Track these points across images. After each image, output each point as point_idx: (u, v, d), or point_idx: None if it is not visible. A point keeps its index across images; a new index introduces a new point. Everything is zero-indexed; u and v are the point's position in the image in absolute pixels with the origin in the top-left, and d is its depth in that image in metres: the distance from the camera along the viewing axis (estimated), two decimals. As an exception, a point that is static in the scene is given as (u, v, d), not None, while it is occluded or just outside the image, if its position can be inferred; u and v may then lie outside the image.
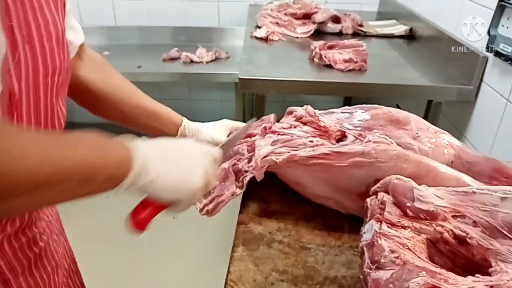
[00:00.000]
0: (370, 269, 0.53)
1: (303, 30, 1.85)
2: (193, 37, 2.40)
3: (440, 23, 1.65)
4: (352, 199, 0.69)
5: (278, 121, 0.83)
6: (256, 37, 1.76)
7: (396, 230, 0.56)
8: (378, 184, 0.63)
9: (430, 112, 1.44)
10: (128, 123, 0.78)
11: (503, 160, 0.72)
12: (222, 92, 2.69)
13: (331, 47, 1.49)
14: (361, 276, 0.56)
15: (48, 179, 0.39)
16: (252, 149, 0.74)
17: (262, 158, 0.69)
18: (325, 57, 1.44)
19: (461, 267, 0.59)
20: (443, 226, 0.57)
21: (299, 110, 0.82)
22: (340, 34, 1.88)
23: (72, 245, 0.80)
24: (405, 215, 0.57)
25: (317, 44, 1.51)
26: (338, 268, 0.65)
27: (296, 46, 1.74)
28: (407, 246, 0.55)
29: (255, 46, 1.70)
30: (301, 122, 0.80)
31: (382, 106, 0.83)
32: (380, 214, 0.57)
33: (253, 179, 0.71)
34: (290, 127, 0.79)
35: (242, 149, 0.75)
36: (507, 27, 1.19)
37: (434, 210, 0.57)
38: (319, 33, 1.87)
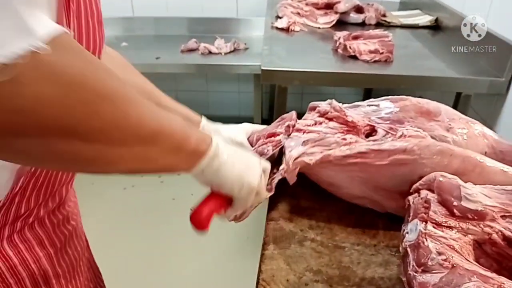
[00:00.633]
0: (416, 272, 0.49)
1: (325, 20, 1.81)
2: (210, 28, 2.37)
3: (467, 13, 1.58)
4: (393, 198, 0.66)
5: (299, 118, 0.79)
6: (277, 28, 1.72)
7: (442, 231, 0.52)
8: (420, 182, 0.59)
9: (458, 105, 1.39)
10: None
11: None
12: (239, 84, 2.65)
13: (355, 38, 1.44)
14: (404, 279, 0.53)
15: (153, 134, 0.42)
16: (276, 148, 0.70)
17: (294, 160, 0.65)
18: (350, 47, 1.40)
19: (508, 270, 0.55)
20: (491, 227, 0.54)
21: (323, 105, 0.77)
22: (363, 25, 1.83)
23: (89, 237, 0.79)
24: (451, 214, 0.54)
25: (341, 34, 1.47)
26: (374, 269, 0.61)
27: (318, 37, 1.70)
28: (454, 247, 0.51)
29: (276, 36, 1.66)
30: (326, 118, 0.76)
31: (410, 97, 0.79)
32: (425, 214, 0.54)
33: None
34: (315, 124, 0.74)
35: (267, 150, 0.71)
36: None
37: (482, 209, 0.54)
38: (341, 24, 1.82)
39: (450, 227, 0.53)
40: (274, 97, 1.61)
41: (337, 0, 1.86)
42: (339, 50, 1.45)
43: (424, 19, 1.86)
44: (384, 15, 1.86)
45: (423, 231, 0.52)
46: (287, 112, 0.79)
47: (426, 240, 0.51)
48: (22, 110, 0.31)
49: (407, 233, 0.55)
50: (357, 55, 1.39)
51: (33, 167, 0.47)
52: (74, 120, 0.34)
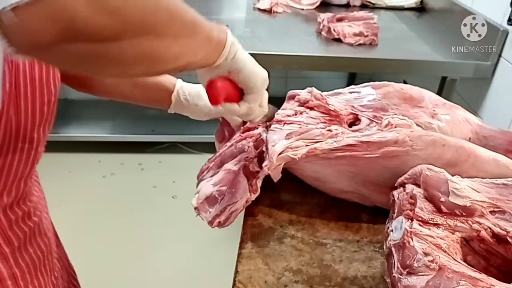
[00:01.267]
0: (401, 274, 0.46)
1: (309, 1, 1.75)
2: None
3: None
4: (383, 192, 0.62)
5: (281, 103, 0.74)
6: (259, 9, 1.66)
7: (429, 229, 0.49)
8: (405, 175, 0.56)
9: (444, 89, 1.36)
10: (113, 95, 0.74)
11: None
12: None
13: (340, 20, 1.39)
14: (388, 280, 0.50)
15: (194, 25, 0.44)
16: (258, 145, 0.66)
17: (279, 155, 0.61)
18: (334, 30, 1.35)
19: (496, 267, 0.52)
20: (480, 223, 0.51)
21: (303, 94, 0.72)
22: (347, 6, 1.78)
23: (65, 226, 0.75)
24: (438, 211, 0.51)
25: (324, 16, 1.42)
26: (357, 267, 0.58)
27: (302, 19, 1.64)
28: (441, 247, 0.48)
29: (258, 18, 1.60)
30: (307, 107, 0.71)
31: (392, 83, 0.76)
32: (411, 210, 0.51)
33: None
34: (296, 114, 0.70)
35: (248, 147, 0.66)
36: (533, -2, 1.10)
37: (471, 205, 0.51)
38: (325, 5, 1.77)
39: (437, 225, 0.50)
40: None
41: (321, -20, 1.80)
42: (323, 33, 1.40)
43: (410, 0, 1.81)
44: (369, -4, 1.81)
45: (409, 229, 0.49)
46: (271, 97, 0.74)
47: (412, 239, 0.48)
48: (114, 10, 0.34)
49: (392, 231, 0.51)
50: (341, 38, 1.34)
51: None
52: (151, 15, 0.37)
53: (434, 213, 0.51)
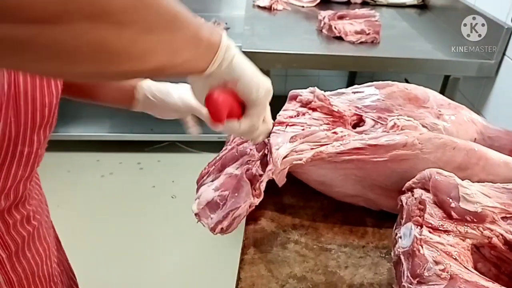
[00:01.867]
0: (411, 283, 0.44)
1: (309, -2, 1.73)
2: (190, 6, 2.16)
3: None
4: (390, 197, 0.60)
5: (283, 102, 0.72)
6: (258, 6, 1.64)
7: (439, 236, 0.47)
8: (414, 179, 0.54)
9: (446, 88, 1.34)
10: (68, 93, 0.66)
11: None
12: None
13: (341, 17, 1.37)
14: (396, 288, 0.48)
15: (176, 19, 0.37)
16: (261, 147, 0.63)
17: (283, 159, 0.59)
18: (335, 28, 1.33)
19: (507, 274, 0.51)
20: (491, 230, 0.49)
21: (305, 94, 0.70)
22: (348, 3, 1.76)
23: (63, 226, 0.73)
24: (449, 217, 0.49)
25: (325, 14, 1.40)
26: (363, 274, 0.56)
27: (302, 16, 1.62)
28: (452, 255, 0.46)
29: (257, 16, 1.57)
30: (310, 108, 0.69)
31: (396, 83, 0.74)
32: (420, 217, 0.49)
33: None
34: (298, 115, 0.68)
35: (251, 149, 0.63)
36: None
37: (482, 211, 0.49)
38: (326, 2, 1.74)
39: (447, 231, 0.48)
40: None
41: (321, -23, 1.77)
42: (324, 31, 1.38)
43: (411, -3, 1.79)
44: (370, -6, 1.79)
45: (418, 236, 0.47)
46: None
47: (422, 247, 0.46)
48: None
49: (400, 237, 0.50)
50: (343, 36, 1.32)
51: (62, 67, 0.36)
52: None
53: (444, 219, 0.49)
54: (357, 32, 1.32)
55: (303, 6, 1.71)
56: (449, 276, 0.43)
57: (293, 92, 0.73)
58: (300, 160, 0.58)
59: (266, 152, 0.62)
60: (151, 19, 0.34)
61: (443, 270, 0.44)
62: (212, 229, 0.58)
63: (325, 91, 0.73)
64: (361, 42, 1.31)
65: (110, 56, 0.32)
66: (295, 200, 0.69)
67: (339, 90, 0.76)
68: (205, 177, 0.66)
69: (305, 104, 0.69)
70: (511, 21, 1.17)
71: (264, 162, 0.62)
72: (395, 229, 0.52)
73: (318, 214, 0.66)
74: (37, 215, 0.62)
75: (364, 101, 0.73)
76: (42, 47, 0.28)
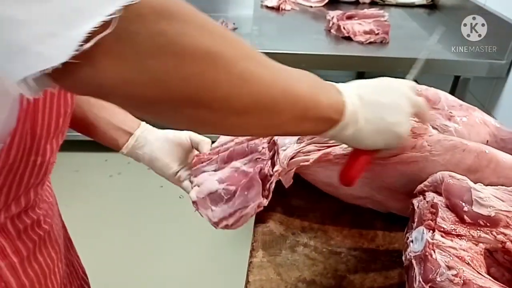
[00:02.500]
0: (423, 289, 0.44)
1: (317, -2, 1.72)
2: (197, 6, 2.22)
3: (467, -9, 1.51)
4: (398, 199, 0.59)
5: None
6: (266, 6, 1.63)
7: (451, 240, 0.47)
8: (425, 182, 0.53)
9: (456, 89, 1.33)
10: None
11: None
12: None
13: (350, 17, 1.36)
14: (407, 293, 0.47)
15: (276, 103, 0.39)
16: (272, 147, 0.63)
17: (290, 160, 0.58)
18: (344, 28, 1.32)
19: (522, 279, 0.50)
20: (505, 234, 0.48)
21: None
22: (356, 3, 1.75)
23: (72, 226, 0.73)
24: (461, 221, 0.48)
25: (334, 14, 1.39)
26: (374, 278, 0.56)
27: (310, 16, 1.61)
28: (465, 259, 0.45)
29: (266, 16, 1.57)
30: None
31: None
32: (432, 220, 0.48)
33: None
34: None
35: (263, 148, 0.63)
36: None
37: (495, 215, 0.48)
38: (334, 2, 1.74)
39: (459, 236, 0.47)
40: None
41: (329, -23, 1.76)
42: (332, 31, 1.37)
43: (420, -3, 1.78)
44: (379, -7, 1.78)
45: (430, 241, 0.46)
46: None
47: (434, 252, 0.45)
48: (146, 83, 0.32)
49: (412, 241, 0.49)
50: (352, 36, 1.31)
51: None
52: (196, 91, 0.34)
53: (457, 223, 0.48)
54: (366, 32, 1.31)
55: (311, 6, 1.70)
56: (462, 281, 0.43)
57: None
58: (307, 161, 0.58)
59: (275, 151, 0.62)
60: (240, 106, 0.37)
61: (456, 275, 0.43)
62: (215, 224, 0.58)
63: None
64: (370, 42, 1.31)
65: (211, 126, 0.38)
66: (303, 202, 0.68)
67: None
68: (205, 163, 0.64)
69: None
70: (523, 20, 1.15)
71: (273, 163, 0.61)
72: (406, 232, 0.52)
73: (326, 217, 0.66)
74: (47, 219, 0.61)
75: (373, 101, 0.72)
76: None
